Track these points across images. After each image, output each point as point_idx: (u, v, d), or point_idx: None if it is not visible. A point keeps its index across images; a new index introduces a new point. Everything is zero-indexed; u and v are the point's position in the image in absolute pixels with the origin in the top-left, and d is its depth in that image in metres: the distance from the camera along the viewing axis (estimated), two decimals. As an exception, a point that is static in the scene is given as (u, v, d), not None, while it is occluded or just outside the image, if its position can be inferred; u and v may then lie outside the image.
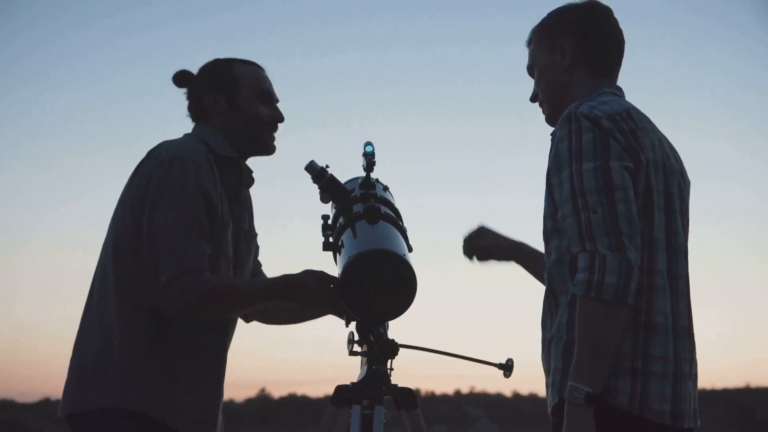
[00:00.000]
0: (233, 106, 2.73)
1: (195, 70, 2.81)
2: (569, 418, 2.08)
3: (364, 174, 2.66)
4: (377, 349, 2.37)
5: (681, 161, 2.39)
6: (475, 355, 2.59)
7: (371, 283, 2.34)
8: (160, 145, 2.65)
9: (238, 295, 2.56)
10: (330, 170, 2.64)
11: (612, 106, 2.23)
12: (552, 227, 2.26)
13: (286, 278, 2.55)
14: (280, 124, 2.79)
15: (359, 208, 2.53)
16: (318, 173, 2.62)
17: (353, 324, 2.51)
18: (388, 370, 2.44)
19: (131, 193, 2.58)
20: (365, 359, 2.47)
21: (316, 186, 2.65)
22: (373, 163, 2.58)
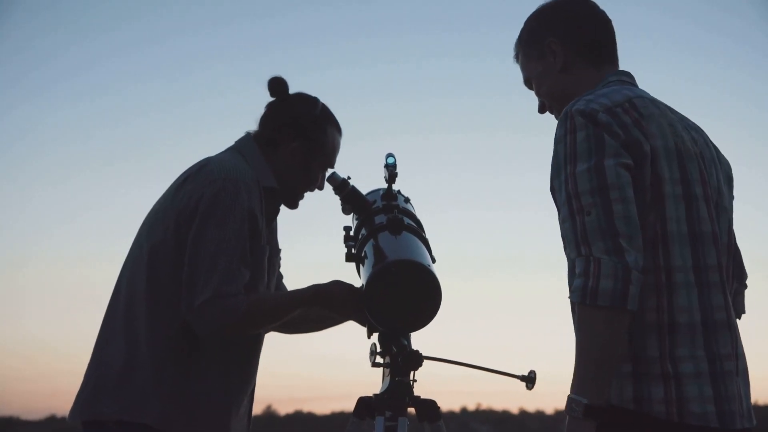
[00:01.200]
0: (303, 165, 2.73)
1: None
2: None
3: (385, 185, 2.67)
4: (401, 360, 2.35)
5: (705, 142, 2.25)
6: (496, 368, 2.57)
7: (396, 293, 2.33)
8: (210, 161, 2.63)
9: (268, 310, 2.54)
10: (351, 182, 2.65)
11: (612, 98, 2.12)
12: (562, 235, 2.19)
13: (315, 288, 2.54)
14: None
15: (382, 219, 2.53)
16: (340, 184, 2.63)
17: (375, 335, 2.50)
18: (411, 382, 2.43)
19: (176, 205, 2.55)
20: (388, 370, 2.46)
21: (337, 197, 2.66)
22: (395, 174, 2.58)
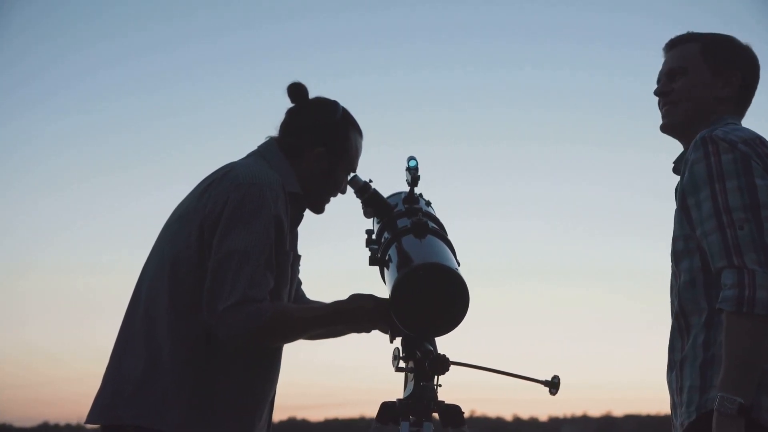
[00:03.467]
0: (328, 172, 2.70)
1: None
2: (721, 428, 2.11)
3: (404, 189, 2.66)
4: (428, 365, 2.33)
5: None
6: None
7: (423, 297, 2.31)
8: (235, 166, 2.60)
9: (294, 325, 2.52)
10: (373, 185, 2.63)
11: (745, 132, 2.29)
12: (684, 248, 2.31)
13: (336, 307, 2.52)
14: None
15: (405, 223, 2.51)
16: (361, 188, 2.62)
17: (398, 340, 2.48)
18: (436, 386, 2.40)
19: (201, 211, 2.52)
20: (411, 375, 2.43)
21: (359, 201, 2.65)
22: (418, 178, 2.57)
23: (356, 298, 2.51)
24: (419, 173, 2.57)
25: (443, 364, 2.35)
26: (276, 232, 2.49)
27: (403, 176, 2.63)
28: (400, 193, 2.68)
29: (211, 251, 2.47)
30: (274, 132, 2.77)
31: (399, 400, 2.44)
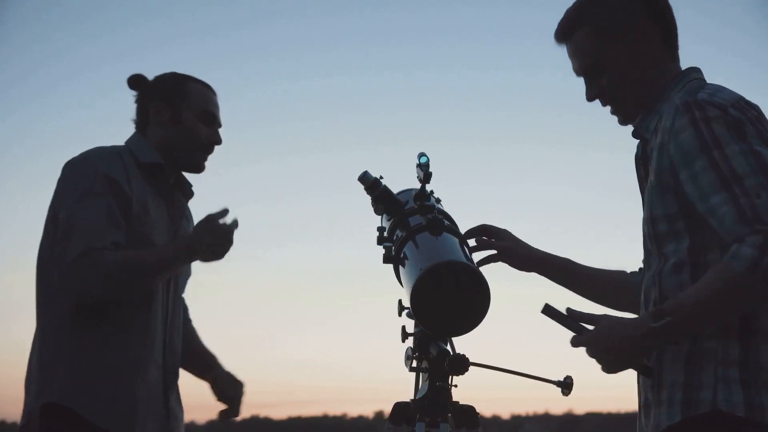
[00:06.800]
0: (174, 120, 2.78)
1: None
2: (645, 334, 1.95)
3: (413, 186, 2.61)
4: (447, 364, 2.28)
5: None
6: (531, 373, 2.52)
7: (443, 295, 2.26)
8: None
9: (139, 267, 2.59)
10: (383, 182, 2.58)
11: (729, 94, 2.03)
12: (669, 229, 2.05)
13: (176, 245, 2.66)
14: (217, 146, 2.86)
15: (418, 220, 2.46)
16: (372, 184, 2.57)
17: (410, 339, 2.44)
18: (451, 387, 2.37)
19: (52, 203, 2.68)
20: (425, 375, 2.40)
21: (369, 198, 2.60)
22: (430, 174, 2.52)
23: (195, 232, 2.63)
24: (431, 170, 2.53)
25: (463, 364, 2.30)
26: (113, 191, 2.59)
27: (402, 175, 2.60)
28: (410, 189, 2.63)
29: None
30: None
31: (413, 400, 2.40)
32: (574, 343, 2.08)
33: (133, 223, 2.62)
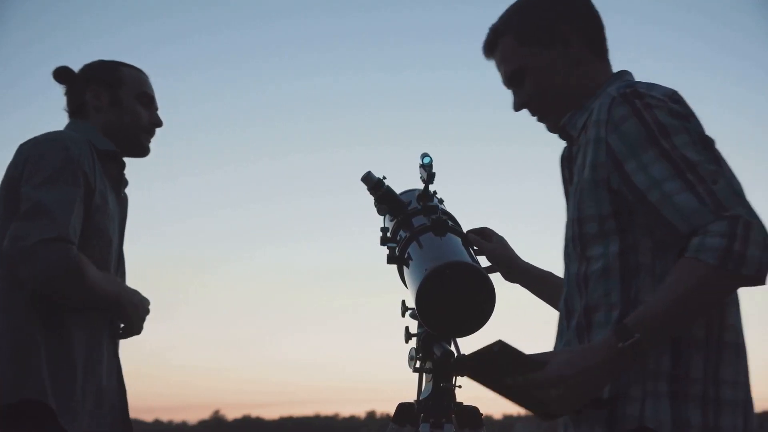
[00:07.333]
0: (114, 102, 2.74)
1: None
2: (604, 354, 1.72)
3: (415, 187, 2.61)
4: (453, 365, 2.28)
5: None
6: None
7: (448, 296, 2.26)
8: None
9: (91, 282, 2.47)
10: (387, 182, 2.58)
11: (664, 88, 1.92)
12: (598, 231, 1.90)
13: (120, 297, 2.58)
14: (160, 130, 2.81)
15: (422, 221, 2.46)
16: (375, 184, 2.57)
17: (413, 340, 2.44)
18: (455, 387, 2.37)
19: (4, 180, 2.55)
20: (429, 376, 2.40)
21: (372, 198, 2.60)
22: (433, 174, 2.52)
23: (136, 299, 2.61)
24: (434, 170, 2.53)
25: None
26: (85, 186, 2.51)
27: (405, 176, 2.60)
28: (414, 190, 2.63)
29: (19, 205, 2.45)
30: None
31: (417, 401, 2.41)
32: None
33: (92, 213, 2.55)
